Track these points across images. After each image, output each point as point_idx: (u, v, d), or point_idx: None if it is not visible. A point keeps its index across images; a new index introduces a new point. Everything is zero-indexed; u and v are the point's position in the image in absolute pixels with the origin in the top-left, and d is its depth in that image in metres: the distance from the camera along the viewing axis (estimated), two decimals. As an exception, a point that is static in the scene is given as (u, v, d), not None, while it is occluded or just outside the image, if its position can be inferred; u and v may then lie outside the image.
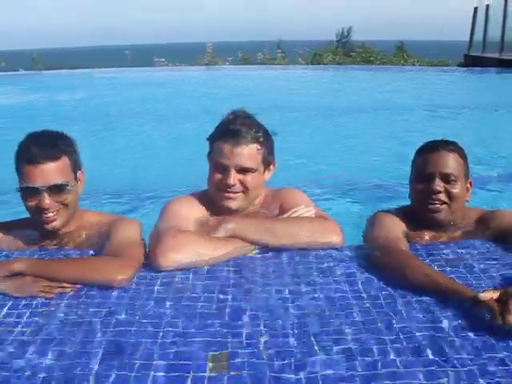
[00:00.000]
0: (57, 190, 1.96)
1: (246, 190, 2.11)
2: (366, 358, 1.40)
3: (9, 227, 2.17)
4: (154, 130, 6.99)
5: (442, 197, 2.11)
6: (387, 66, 15.64)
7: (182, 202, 2.20)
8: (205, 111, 7.41)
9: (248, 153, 2.08)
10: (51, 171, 1.94)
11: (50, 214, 1.99)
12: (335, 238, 2.07)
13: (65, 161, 1.99)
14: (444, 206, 2.12)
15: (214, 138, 2.14)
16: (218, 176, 2.10)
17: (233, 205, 2.12)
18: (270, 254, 2.03)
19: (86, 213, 2.19)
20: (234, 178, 2.07)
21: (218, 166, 2.10)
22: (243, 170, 2.09)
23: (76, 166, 2.07)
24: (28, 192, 1.95)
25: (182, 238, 1.92)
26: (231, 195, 2.11)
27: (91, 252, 2.05)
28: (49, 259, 1.93)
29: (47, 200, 1.95)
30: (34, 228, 2.11)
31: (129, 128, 7.13)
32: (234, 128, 2.08)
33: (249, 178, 2.11)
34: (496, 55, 15.53)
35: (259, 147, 2.12)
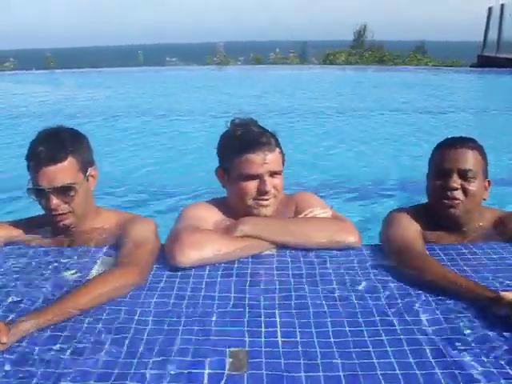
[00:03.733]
0: (63, 191, 1.99)
1: (276, 193, 2.13)
2: (383, 360, 1.39)
3: (26, 224, 2.20)
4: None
5: (459, 194, 2.08)
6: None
7: (200, 206, 2.22)
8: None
9: (275, 157, 2.11)
10: (56, 173, 1.96)
11: (60, 213, 2.02)
12: (352, 238, 2.07)
13: (71, 162, 2.00)
14: (460, 202, 2.09)
15: (235, 152, 2.09)
16: (251, 186, 2.08)
17: (268, 211, 2.12)
18: (285, 252, 2.03)
19: (101, 210, 2.21)
20: (269, 184, 2.09)
21: (249, 177, 2.09)
22: (272, 174, 2.10)
23: (86, 164, 2.08)
24: (36, 193, 2.00)
25: (200, 236, 1.94)
26: (265, 202, 2.11)
27: (105, 250, 2.06)
28: (58, 302, 1.63)
29: (54, 201, 1.98)
30: (49, 225, 2.13)
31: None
32: (257, 137, 2.09)
33: (278, 181, 2.13)
34: (510, 56, 15.37)
35: (279, 150, 2.15)
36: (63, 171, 1.97)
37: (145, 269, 1.86)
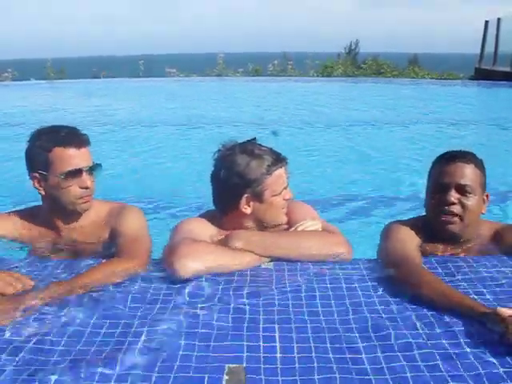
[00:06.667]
0: (93, 170, 2.13)
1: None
2: (379, 376, 1.39)
3: (20, 216, 2.24)
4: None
5: (456, 209, 2.09)
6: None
7: (193, 221, 2.23)
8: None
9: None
10: (88, 154, 2.13)
11: (88, 195, 2.13)
12: (342, 251, 2.09)
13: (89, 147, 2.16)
14: (457, 218, 2.10)
15: (265, 172, 2.09)
16: (281, 198, 2.15)
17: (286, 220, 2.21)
18: (284, 265, 2.04)
19: (93, 201, 2.23)
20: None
21: (281, 191, 2.14)
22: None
23: None
24: (74, 174, 2.08)
25: (198, 247, 1.96)
26: (286, 210, 2.19)
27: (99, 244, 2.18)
28: (65, 282, 1.82)
29: (89, 180, 2.11)
30: (46, 217, 2.20)
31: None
32: (277, 153, 2.16)
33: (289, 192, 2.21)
34: (507, 69, 15.47)
35: None
36: (90, 153, 2.14)
37: (145, 259, 2.03)
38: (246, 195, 2.10)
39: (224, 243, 2.03)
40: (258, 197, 2.11)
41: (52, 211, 2.18)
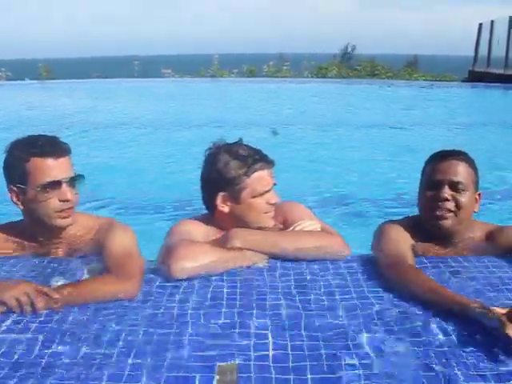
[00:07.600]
0: (75, 181, 2.03)
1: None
2: (368, 372, 1.39)
3: (1, 231, 2.14)
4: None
5: (449, 205, 2.10)
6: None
7: (189, 222, 2.23)
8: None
9: None
10: (68, 164, 2.01)
11: (69, 208, 2.01)
12: (340, 250, 2.10)
13: (70, 156, 2.05)
14: (451, 214, 2.11)
15: (244, 173, 2.08)
16: (262, 201, 2.12)
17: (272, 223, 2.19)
18: (278, 265, 2.04)
19: (79, 216, 2.14)
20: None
21: (263, 193, 2.12)
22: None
23: None
24: (52, 186, 1.97)
25: (194, 247, 1.96)
26: (273, 213, 2.16)
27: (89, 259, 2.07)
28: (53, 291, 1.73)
29: (69, 192, 2.00)
30: (28, 231, 2.10)
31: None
32: (262, 155, 2.14)
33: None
34: (501, 71, 15.58)
35: None
36: (70, 163, 2.03)
37: (139, 281, 1.86)
38: (222, 193, 2.11)
39: (222, 242, 2.03)
40: (235, 197, 2.11)
41: (33, 226, 2.08)
